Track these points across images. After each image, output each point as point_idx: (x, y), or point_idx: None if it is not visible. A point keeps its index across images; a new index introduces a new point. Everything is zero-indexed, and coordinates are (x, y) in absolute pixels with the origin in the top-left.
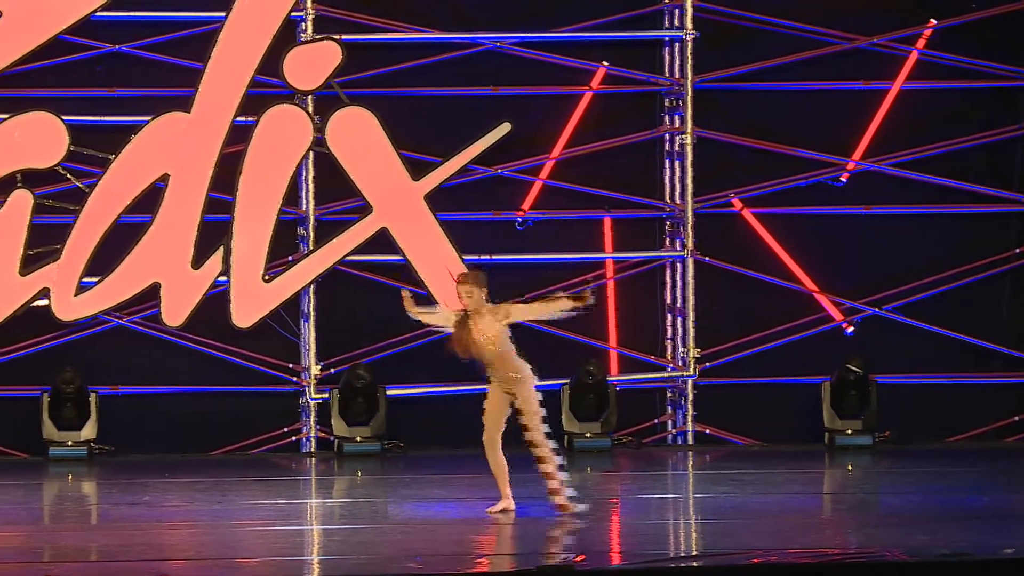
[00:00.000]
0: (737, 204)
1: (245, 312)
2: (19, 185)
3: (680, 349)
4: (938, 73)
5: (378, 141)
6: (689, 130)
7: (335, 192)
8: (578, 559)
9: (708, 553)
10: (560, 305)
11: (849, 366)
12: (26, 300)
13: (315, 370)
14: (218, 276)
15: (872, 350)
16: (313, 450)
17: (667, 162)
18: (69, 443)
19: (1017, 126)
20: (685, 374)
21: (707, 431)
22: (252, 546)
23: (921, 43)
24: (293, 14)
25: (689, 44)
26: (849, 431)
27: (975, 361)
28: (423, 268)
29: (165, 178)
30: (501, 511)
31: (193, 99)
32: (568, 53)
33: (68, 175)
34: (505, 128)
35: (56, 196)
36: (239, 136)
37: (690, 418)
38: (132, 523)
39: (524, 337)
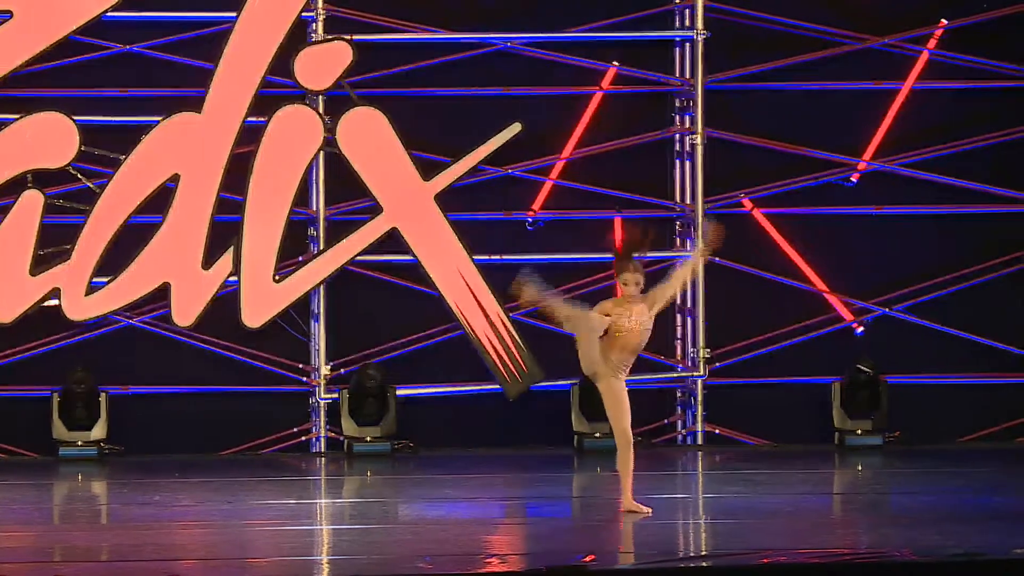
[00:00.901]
0: (747, 204)
1: (255, 312)
2: (30, 185)
3: (690, 349)
4: (949, 73)
5: (389, 141)
6: (700, 130)
7: (345, 192)
8: (588, 559)
9: (718, 553)
10: (689, 270)
11: (859, 366)
12: (37, 300)
13: (325, 370)
14: (228, 276)
15: (883, 350)
16: (323, 450)
17: (677, 162)
18: (79, 443)
19: None
20: (695, 374)
21: (717, 431)
22: (262, 546)
23: (932, 43)
24: (304, 14)
25: (700, 44)
26: (859, 431)
27: (986, 361)
28: (433, 268)
29: (176, 178)
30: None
31: (204, 99)
32: (579, 53)
33: (79, 175)
34: (516, 128)
35: (67, 196)
36: (250, 136)
37: (700, 418)
38: (142, 523)
39: (534, 336)
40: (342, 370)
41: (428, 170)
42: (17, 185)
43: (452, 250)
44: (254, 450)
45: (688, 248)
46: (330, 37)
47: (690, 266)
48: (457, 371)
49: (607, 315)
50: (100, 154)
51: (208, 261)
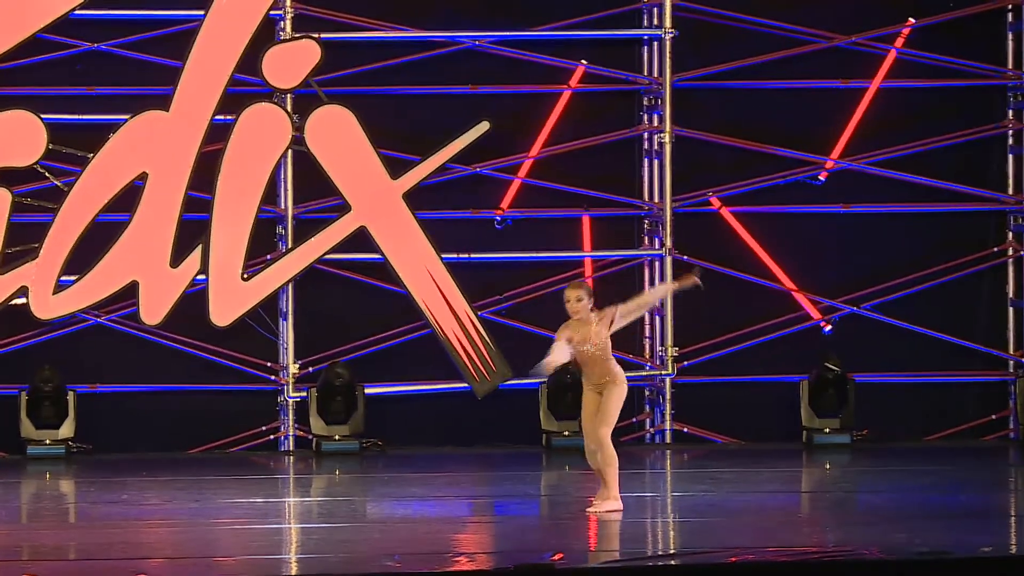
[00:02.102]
0: (715, 203)
1: (224, 310)
2: None
3: (658, 347)
4: (916, 72)
5: (357, 139)
6: (668, 129)
7: (314, 190)
8: (556, 557)
9: (686, 552)
10: (658, 293)
11: (827, 364)
12: (4, 298)
13: (293, 368)
14: (197, 274)
15: (850, 348)
16: (291, 448)
17: (646, 161)
18: (47, 442)
19: (995, 125)
20: (663, 372)
21: (685, 429)
22: (230, 545)
23: (899, 42)
24: (272, 13)
25: (668, 43)
26: (827, 429)
27: (953, 360)
28: (401, 267)
29: (144, 176)
30: (609, 511)
31: (172, 97)
32: (547, 52)
33: (46, 173)
34: (484, 127)
35: (34, 195)
36: (218, 135)
37: (668, 416)
38: (110, 522)
39: (505, 335)
40: (310, 368)
41: (396, 168)
42: None
43: (420, 248)
44: (222, 448)
45: (656, 246)
46: (298, 35)
47: (659, 294)
48: (425, 369)
49: (569, 340)
50: (68, 152)
51: (176, 259)
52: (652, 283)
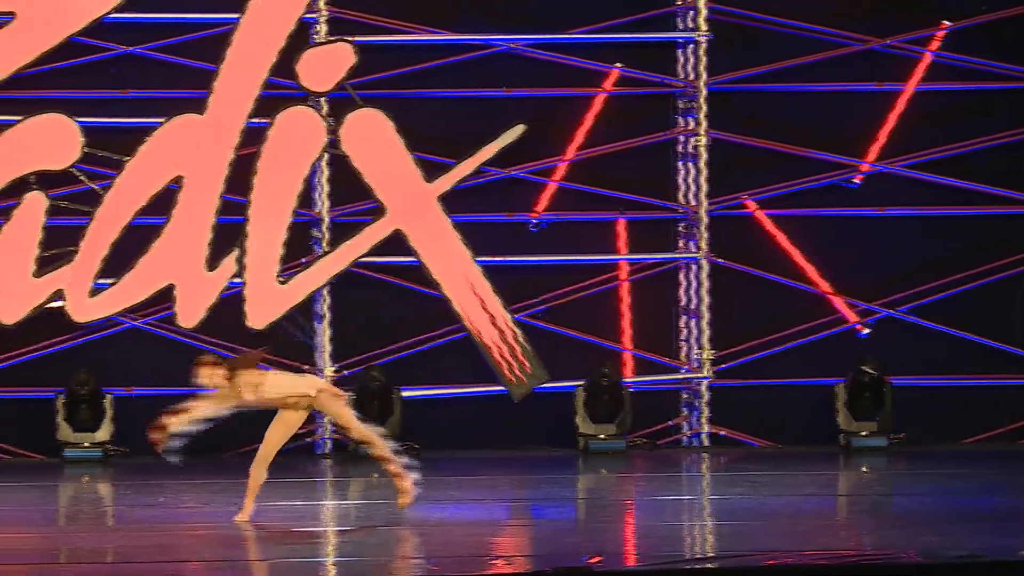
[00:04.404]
0: (751, 206)
1: (259, 314)
2: (33, 187)
3: (694, 351)
4: (951, 75)
5: (392, 143)
6: (703, 132)
7: (349, 194)
8: (594, 560)
9: (723, 555)
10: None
11: (864, 368)
12: (41, 302)
13: (330, 372)
14: (232, 278)
15: (887, 351)
16: (328, 452)
17: (681, 164)
18: (84, 445)
19: None
20: (699, 376)
21: (722, 433)
22: (267, 548)
23: (934, 45)
24: (306, 16)
25: (703, 45)
26: (864, 433)
27: (990, 362)
28: (437, 270)
29: (179, 180)
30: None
31: (207, 101)
32: (581, 55)
33: (82, 177)
34: (518, 130)
35: (70, 198)
36: (253, 138)
37: (705, 420)
38: (147, 525)
39: (541, 337)
40: (346, 372)
41: (431, 171)
42: (20, 187)
43: (456, 251)
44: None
45: (691, 249)
46: (333, 39)
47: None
48: (461, 373)
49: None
50: (103, 156)
51: (212, 263)
52: (688, 286)
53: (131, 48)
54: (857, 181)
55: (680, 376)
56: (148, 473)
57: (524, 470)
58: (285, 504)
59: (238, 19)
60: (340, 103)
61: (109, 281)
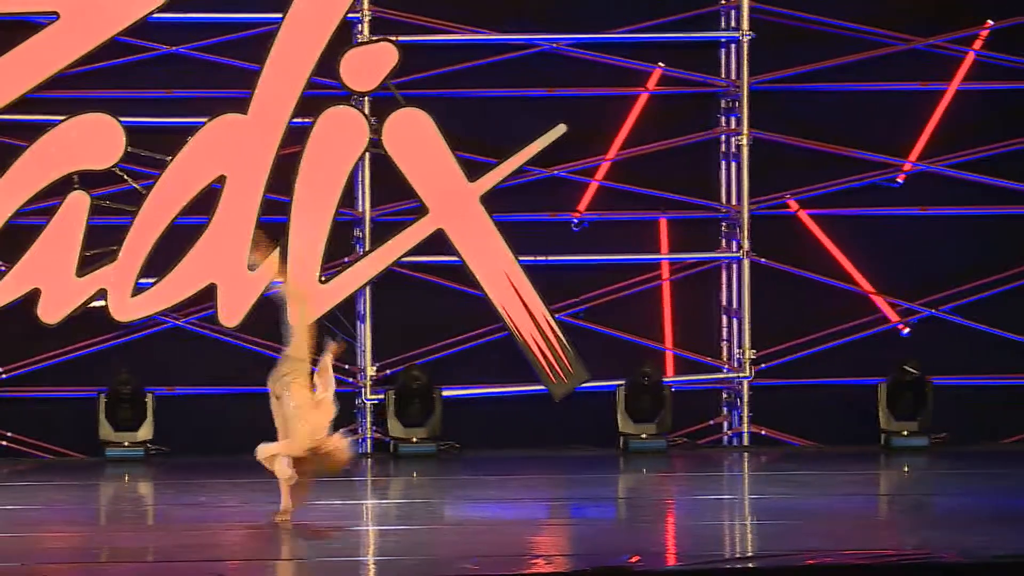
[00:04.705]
0: (793, 205)
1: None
2: (76, 186)
3: (736, 350)
4: (994, 74)
5: (434, 142)
6: (745, 131)
7: (391, 193)
8: (633, 560)
9: (763, 554)
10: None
11: (905, 367)
12: (83, 301)
13: (371, 371)
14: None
15: (928, 351)
16: (369, 451)
17: (723, 163)
18: (125, 444)
19: None
20: (740, 375)
21: (762, 432)
22: (308, 547)
23: (977, 44)
24: (349, 15)
25: (745, 45)
26: (905, 432)
27: None
28: (479, 269)
29: (221, 179)
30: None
31: (249, 100)
32: (624, 54)
33: (125, 176)
34: (561, 129)
35: (113, 197)
36: (295, 137)
37: (745, 419)
38: (188, 524)
39: (582, 337)
40: (388, 371)
41: (473, 171)
42: (63, 186)
43: (498, 251)
44: None
45: (733, 248)
46: (375, 38)
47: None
48: (502, 372)
49: None
50: (146, 155)
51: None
52: (730, 286)
53: (174, 48)
54: (899, 180)
55: (721, 376)
56: (189, 472)
57: (564, 469)
58: (325, 503)
59: (281, 19)
60: (383, 103)
61: (151, 280)
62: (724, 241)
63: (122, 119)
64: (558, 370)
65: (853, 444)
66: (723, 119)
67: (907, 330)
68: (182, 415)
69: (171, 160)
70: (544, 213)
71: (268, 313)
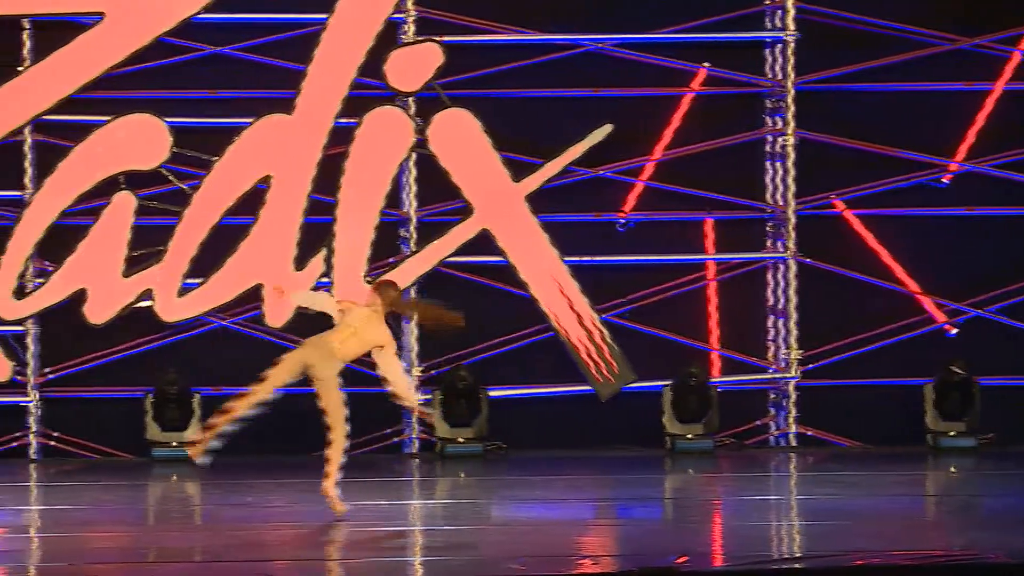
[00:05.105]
0: (839, 205)
1: None
2: (122, 187)
3: (782, 350)
4: None
5: (479, 142)
6: (791, 131)
7: (436, 193)
8: (680, 560)
9: (810, 555)
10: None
11: (952, 368)
12: (129, 301)
13: (417, 371)
14: (320, 277)
15: (975, 351)
16: (415, 451)
17: (768, 163)
18: (173, 444)
19: None
20: (787, 375)
21: (809, 432)
22: (355, 547)
23: (1023, 44)
24: (394, 16)
25: (790, 45)
26: (952, 433)
27: None
28: (525, 269)
29: (267, 180)
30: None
31: (295, 101)
32: (669, 54)
33: (171, 177)
34: (606, 130)
35: (159, 198)
36: (341, 138)
37: (792, 419)
38: (235, 524)
39: (626, 337)
40: (434, 371)
41: (519, 171)
42: (109, 186)
43: (543, 251)
44: (347, 451)
45: (779, 249)
46: (420, 39)
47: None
48: (549, 372)
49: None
50: (192, 156)
51: (300, 262)
52: (776, 286)
53: (220, 48)
54: (945, 181)
55: (767, 376)
56: (236, 472)
57: (611, 470)
58: (372, 504)
59: (326, 19)
60: (428, 103)
61: (197, 281)
62: (770, 241)
63: (168, 119)
64: (604, 370)
65: (900, 445)
66: (768, 119)
67: (954, 330)
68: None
69: (217, 160)
70: (589, 213)
71: (314, 314)
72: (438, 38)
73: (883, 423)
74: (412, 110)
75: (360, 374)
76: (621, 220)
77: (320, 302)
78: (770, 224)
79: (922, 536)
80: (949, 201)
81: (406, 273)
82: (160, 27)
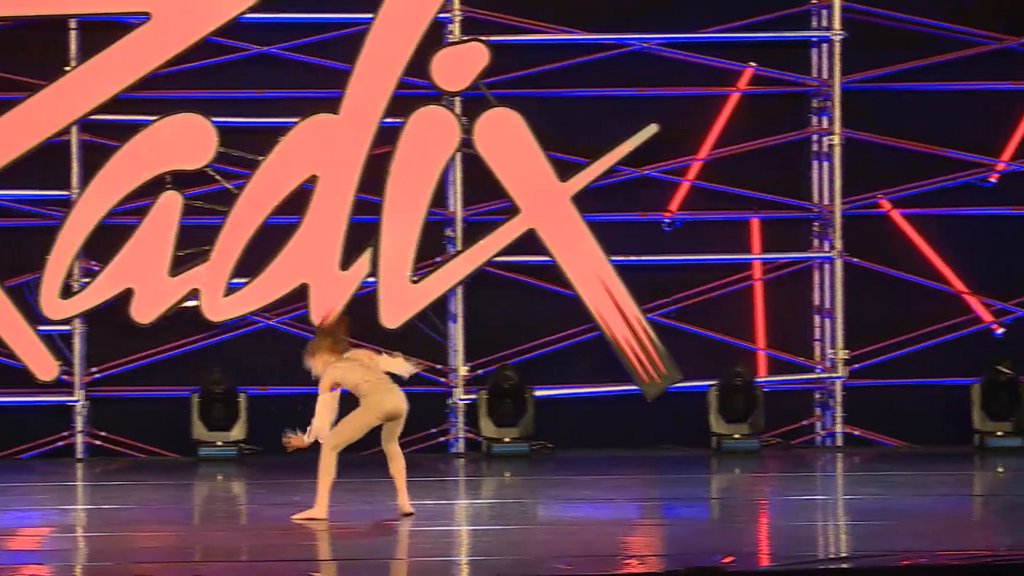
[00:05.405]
0: (885, 205)
1: (393, 313)
2: (168, 186)
3: (828, 350)
4: None
5: (525, 142)
6: (837, 131)
7: (482, 193)
8: (726, 560)
9: (856, 555)
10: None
11: (999, 367)
12: (175, 301)
13: (463, 371)
14: (366, 277)
15: (1022, 351)
16: (461, 451)
17: (815, 163)
18: (218, 443)
19: None
20: (833, 375)
21: (856, 432)
22: (401, 547)
23: None
24: (440, 15)
25: (837, 45)
26: (999, 433)
27: None
28: (570, 269)
29: (313, 179)
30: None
31: (341, 100)
32: (715, 54)
33: (217, 176)
34: (652, 129)
35: (205, 197)
36: (387, 137)
37: (838, 419)
38: (281, 524)
39: (672, 337)
40: (480, 371)
41: (564, 171)
42: (156, 186)
43: (589, 251)
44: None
45: (825, 248)
46: (466, 38)
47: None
48: (594, 372)
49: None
50: (238, 155)
51: (346, 262)
52: (822, 286)
53: (266, 48)
54: (992, 180)
55: (814, 376)
56: (282, 472)
57: (657, 469)
58: (417, 503)
59: (372, 19)
60: (473, 102)
61: (243, 280)
62: (816, 241)
63: (214, 119)
64: (650, 370)
65: (946, 445)
66: (815, 119)
67: (1001, 330)
68: (274, 415)
69: (263, 160)
70: (635, 213)
71: (360, 314)
72: (484, 37)
73: (930, 423)
74: (458, 110)
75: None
76: (667, 220)
77: (332, 402)
78: (816, 224)
79: (969, 536)
80: (996, 200)
81: (452, 273)
82: (206, 27)
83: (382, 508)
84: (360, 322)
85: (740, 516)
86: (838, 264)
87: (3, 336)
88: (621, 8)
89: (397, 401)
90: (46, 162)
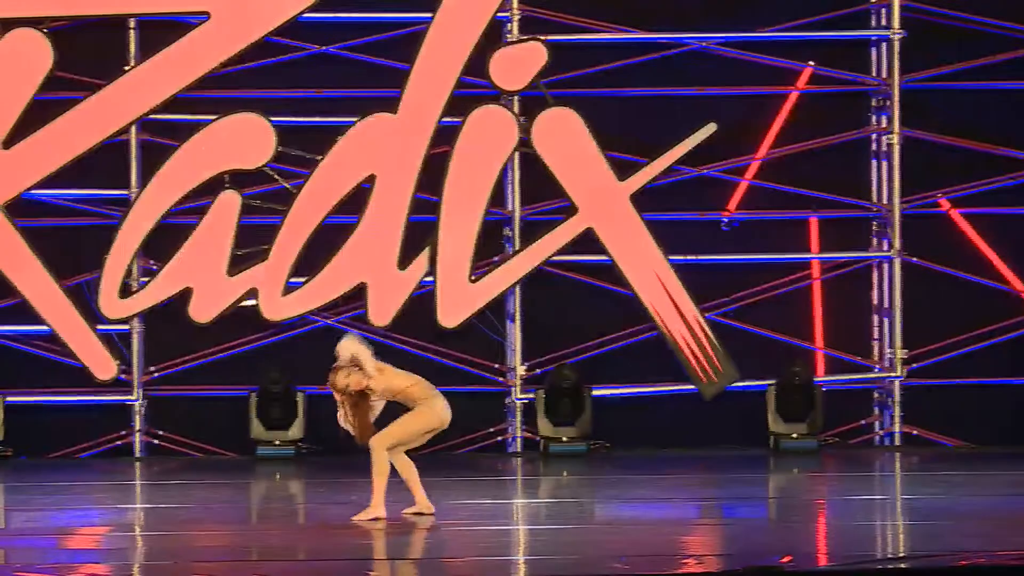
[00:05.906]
0: (945, 204)
1: (451, 312)
2: (227, 186)
3: (887, 350)
4: None
5: (583, 141)
6: (896, 130)
7: (541, 192)
8: (785, 560)
9: (915, 555)
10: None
11: None
12: (234, 300)
13: (521, 370)
14: (424, 276)
15: None
16: (519, 450)
17: (874, 162)
18: (277, 442)
19: None
20: (892, 375)
21: (915, 432)
22: (458, 546)
23: None
24: (499, 15)
25: (896, 43)
26: None
27: None
28: (629, 268)
29: (371, 179)
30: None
31: (399, 100)
32: (774, 53)
33: (275, 176)
34: (710, 128)
35: (263, 197)
36: (445, 137)
37: (897, 419)
38: (339, 523)
39: (730, 336)
40: (537, 370)
41: (623, 170)
42: (214, 185)
43: (648, 250)
44: (450, 450)
45: (884, 248)
46: (525, 38)
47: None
48: (652, 371)
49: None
50: (296, 155)
51: (404, 261)
52: (881, 285)
53: (325, 48)
54: None
55: (872, 375)
56: (340, 471)
57: (715, 469)
58: (475, 503)
59: (431, 18)
60: (532, 102)
61: (302, 280)
62: (875, 240)
63: (272, 119)
64: (708, 369)
65: (1007, 445)
66: (874, 118)
67: None
68: (333, 414)
69: (321, 160)
70: (694, 212)
71: (418, 313)
72: (543, 37)
73: (989, 423)
74: (516, 109)
75: (462, 372)
76: (725, 219)
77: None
78: (875, 223)
79: None
80: None
81: (510, 272)
82: (265, 26)
83: (439, 507)
84: (418, 322)
85: (798, 516)
86: (897, 263)
87: (62, 335)
88: (680, 7)
89: (448, 409)
90: (105, 161)
